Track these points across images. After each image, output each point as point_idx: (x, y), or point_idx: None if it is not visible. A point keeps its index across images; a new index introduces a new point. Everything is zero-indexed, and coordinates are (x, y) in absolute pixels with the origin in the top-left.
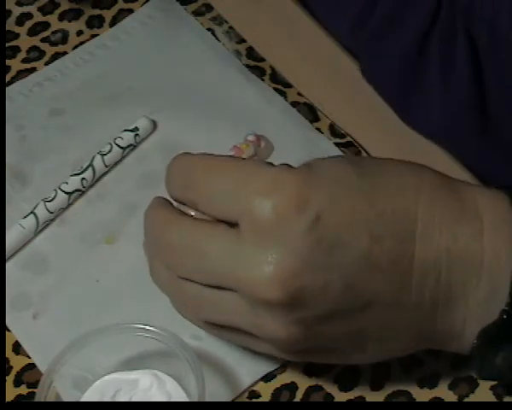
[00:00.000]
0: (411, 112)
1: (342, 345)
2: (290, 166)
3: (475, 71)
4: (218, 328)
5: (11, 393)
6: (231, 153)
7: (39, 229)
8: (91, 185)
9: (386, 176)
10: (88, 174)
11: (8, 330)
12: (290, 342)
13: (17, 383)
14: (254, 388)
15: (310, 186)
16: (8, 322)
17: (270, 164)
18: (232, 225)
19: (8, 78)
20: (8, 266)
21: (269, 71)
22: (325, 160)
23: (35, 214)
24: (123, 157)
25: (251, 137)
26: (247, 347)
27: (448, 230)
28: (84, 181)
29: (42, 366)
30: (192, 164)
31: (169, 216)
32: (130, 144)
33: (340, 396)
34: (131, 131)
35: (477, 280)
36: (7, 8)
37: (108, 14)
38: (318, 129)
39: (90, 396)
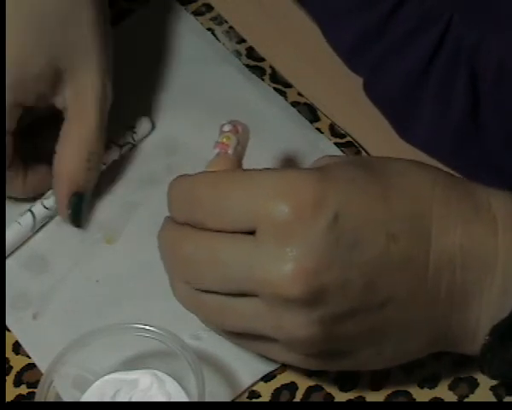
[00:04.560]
0: (408, 132)
1: (360, 346)
2: (302, 168)
3: (473, 105)
4: (242, 337)
5: (11, 393)
6: (216, 151)
7: (38, 226)
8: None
9: (400, 176)
10: None
11: (9, 330)
12: (310, 343)
13: (17, 383)
14: (254, 388)
15: (326, 186)
16: (8, 322)
17: (277, 169)
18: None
19: None
20: (9, 266)
21: (269, 71)
22: (338, 162)
23: (32, 212)
24: (122, 157)
25: (227, 128)
26: (268, 356)
27: (462, 228)
28: None
29: (42, 366)
30: (193, 183)
31: (182, 232)
32: (128, 142)
33: (340, 396)
34: (129, 128)
35: (491, 278)
36: None
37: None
38: (318, 129)
39: (90, 396)
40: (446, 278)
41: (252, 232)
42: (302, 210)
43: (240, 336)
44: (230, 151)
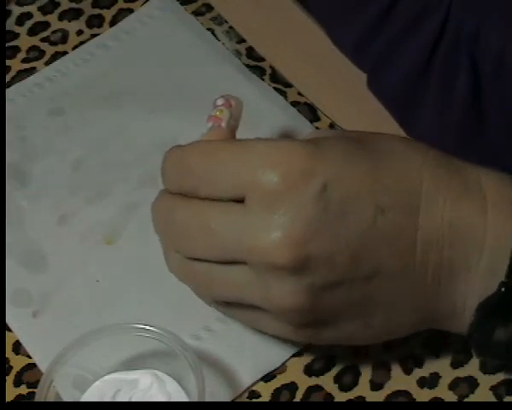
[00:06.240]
0: (412, 126)
1: (348, 318)
2: (293, 139)
3: (475, 96)
4: (230, 307)
5: (11, 393)
6: (209, 124)
7: None
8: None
9: (392, 151)
10: None
11: (9, 330)
12: (297, 312)
13: (17, 383)
14: (254, 388)
15: (316, 157)
16: (8, 319)
17: (268, 139)
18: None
19: (8, 78)
20: (9, 264)
21: (269, 71)
22: (331, 135)
23: None
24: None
25: (220, 101)
26: (257, 327)
27: (451, 205)
28: None
29: (41, 365)
30: (186, 152)
31: (174, 200)
32: None
33: (340, 396)
34: None
35: (479, 256)
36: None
37: (108, 14)
38: (318, 129)
39: (90, 396)
40: (434, 255)
41: (243, 201)
42: (291, 178)
43: (230, 306)
44: (224, 124)
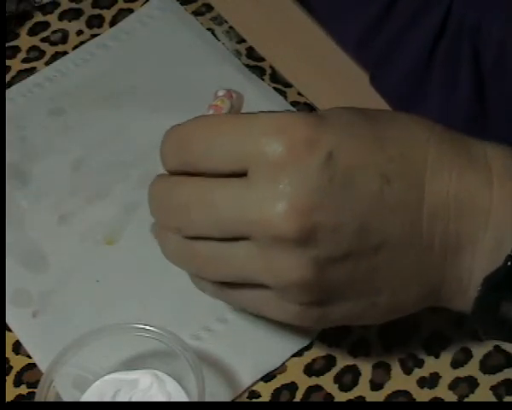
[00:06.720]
0: None
1: (354, 295)
2: (299, 111)
3: (478, 89)
4: (231, 289)
5: (11, 393)
6: (210, 112)
7: None
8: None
9: (397, 124)
10: None
11: (9, 330)
12: (303, 287)
13: (17, 383)
14: (254, 388)
15: (320, 128)
16: (8, 319)
17: (270, 111)
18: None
19: (8, 78)
20: (9, 264)
21: (269, 71)
22: (337, 108)
23: None
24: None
25: (221, 92)
26: (260, 312)
27: (457, 177)
28: None
29: (41, 365)
30: (186, 127)
31: (172, 180)
32: None
33: (340, 396)
34: None
35: (484, 228)
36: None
37: (108, 14)
38: None
39: (90, 396)
40: (440, 227)
41: (245, 176)
42: (295, 148)
43: (232, 289)
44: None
